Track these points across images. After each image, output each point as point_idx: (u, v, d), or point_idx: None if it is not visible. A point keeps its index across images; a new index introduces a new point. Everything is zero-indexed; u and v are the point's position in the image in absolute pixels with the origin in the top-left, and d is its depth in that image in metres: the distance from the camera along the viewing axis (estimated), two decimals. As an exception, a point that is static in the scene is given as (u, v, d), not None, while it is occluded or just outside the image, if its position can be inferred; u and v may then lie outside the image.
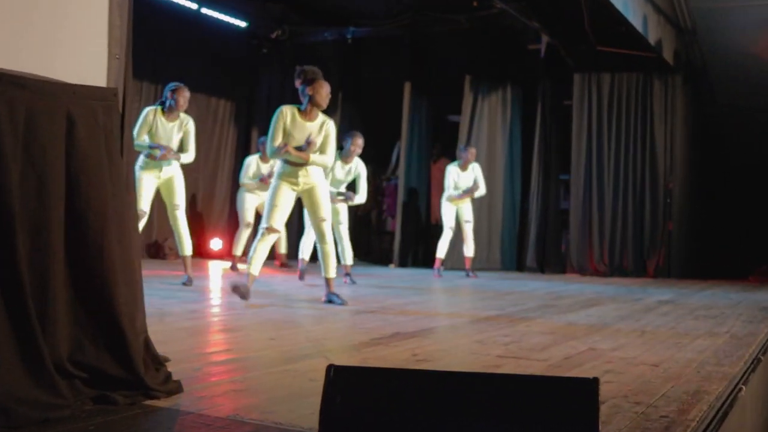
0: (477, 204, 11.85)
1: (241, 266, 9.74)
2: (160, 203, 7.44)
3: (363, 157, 14.11)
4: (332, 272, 6.11)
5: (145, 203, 7.04)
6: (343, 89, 12.81)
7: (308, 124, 5.89)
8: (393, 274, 10.64)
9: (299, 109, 5.90)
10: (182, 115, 7.16)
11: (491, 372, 2.80)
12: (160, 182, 7.16)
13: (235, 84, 12.95)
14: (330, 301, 6.00)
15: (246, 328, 4.59)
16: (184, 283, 7.07)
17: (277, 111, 5.93)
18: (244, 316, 5.15)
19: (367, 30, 12.57)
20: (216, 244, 11.79)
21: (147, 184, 7.04)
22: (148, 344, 3.05)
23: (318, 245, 6.13)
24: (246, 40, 13.08)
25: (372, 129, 13.52)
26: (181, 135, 7.16)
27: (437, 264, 9.97)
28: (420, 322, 5.09)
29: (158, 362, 3.02)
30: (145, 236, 11.10)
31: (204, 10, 11.91)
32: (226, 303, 5.78)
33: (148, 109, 7.12)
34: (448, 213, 9.97)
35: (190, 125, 7.18)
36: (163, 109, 7.08)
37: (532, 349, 4.03)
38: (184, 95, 7.09)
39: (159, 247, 11.17)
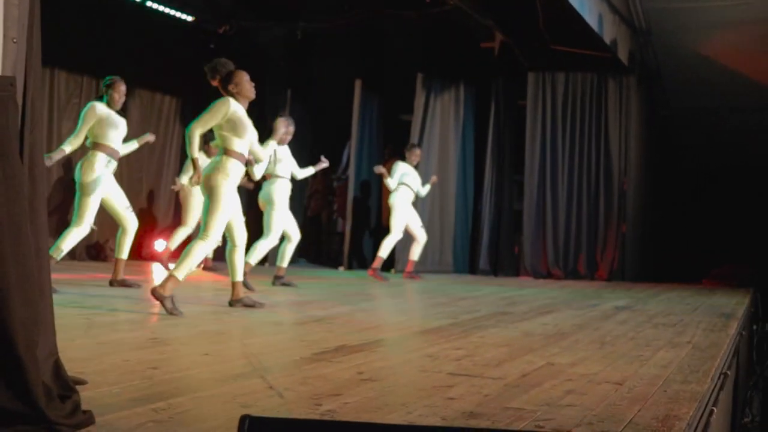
0: (429, 205, 11.62)
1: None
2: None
3: (315, 155, 13.87)
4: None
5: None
6: (292, 86, 12.46)
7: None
8: (341, 277, 10.32)
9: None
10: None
11: (421, 425, 2.49)
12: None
13: (181, 80, 12.50)
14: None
15: (177, 341, 4.23)
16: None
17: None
18: (177, 326, 4.79)
19: (318, 26, 12.22)
20: (160, 245, 11.33)
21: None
22: (57, 369, 2.70)
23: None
24: (192, 34, 12.65)
25: (322, 127, 13.20)
26: None
27: (377, 263, 9.63)
28: (367, 333, 4.78)
29: (68, 389, 2.67)
30: (86, 238, 10.66)
31: (149, 3, 11.46)
32: (161, 311, 5.40)
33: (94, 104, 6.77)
34: (401, 216, 9.64)
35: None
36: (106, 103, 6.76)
37: (487, 365, 3.75)
38: (120, 89, 6.76)
39: (100, 248, 10.70)
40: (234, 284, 5.84)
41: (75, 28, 10.75)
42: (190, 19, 12.14)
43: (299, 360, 3.76)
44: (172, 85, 12.26)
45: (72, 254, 10.57)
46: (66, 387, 2.67)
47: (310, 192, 14.77)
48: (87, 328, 4.54)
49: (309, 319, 5.52)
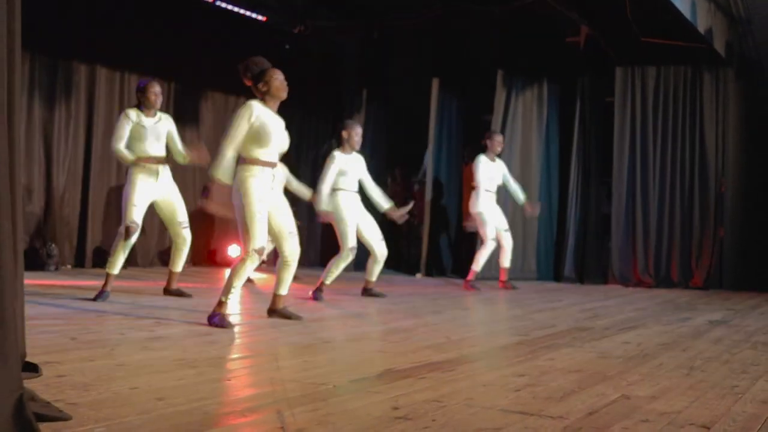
0: (512, 209, 11.01)
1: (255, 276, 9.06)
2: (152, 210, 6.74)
3: (392, 157, 13.40)
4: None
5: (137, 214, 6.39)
6: (368, 87, 12.04)
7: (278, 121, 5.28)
8: (417, 284, 9.83)
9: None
10: (159, 112, 6.60)
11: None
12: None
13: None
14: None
15: (206, 362, 3.81)
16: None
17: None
18: (215, 344, 4.39)
19: (394, 23, 11.76)
20: (234, 251, 11.01)
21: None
22: (19, 409, 2.29)
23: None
24: (266, 35, 12.36)
25: (400, 129, 12.74)
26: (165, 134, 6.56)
27: (471, 276, 9.12)
28: (419, 355, 4.27)
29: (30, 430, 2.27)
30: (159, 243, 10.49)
31: (220, 3, 11.20)
32: (204, 325, 5.01)
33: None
34: (490, 222, 9.07)
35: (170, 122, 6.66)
36: (140, 109, 6.46)
37: (549, 398, 3.20)
38: (154, 90, 6.48)
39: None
40: (275, 296, 5.56)
41: (145, 30, 10.58)
42: (263, 19, 11.82)
43: (329, 389, 3.29)
44: (245, 87, 11.95)
45: (132, 261, 10.46)
46: (28, 427, 2.26)
47: (388, 195, 14.32)
48: (115, 346, 4.18)
49: (360, 336, 5.06)
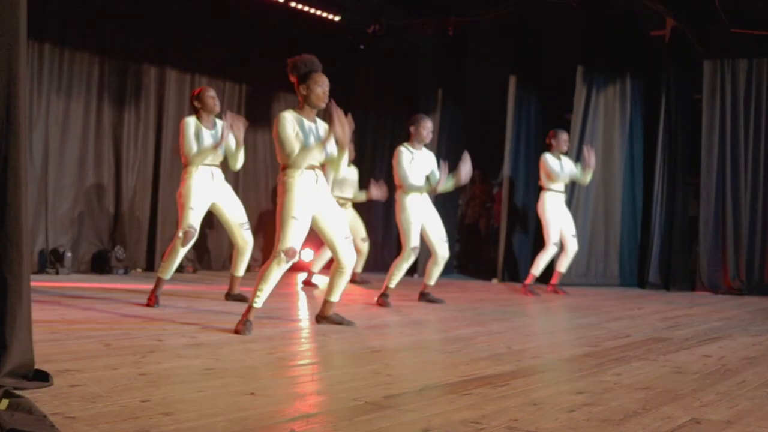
0: (592, 210, 10.52)
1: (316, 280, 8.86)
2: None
3: (472, 159, 13.02)
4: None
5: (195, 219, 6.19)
6: (443, 85, 11.69)
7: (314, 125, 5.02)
8: (491, 290, 9.43)
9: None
10: (217, 120, 6.39)
11: None
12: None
13: (330, 83, 12.02)
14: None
15: (233, 372, 3.54)
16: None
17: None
18: (250, 351, 4.12)
19: (470, 20, 11.39)
20: (307, 254, 10.75)
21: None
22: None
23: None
24: (340, 35, 12.14)
25: (478, 129, 12.34)
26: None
27: (529, 280, 8.70)
28: (474, 365, 3.92)
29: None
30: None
31: (292, 4, 10.99)
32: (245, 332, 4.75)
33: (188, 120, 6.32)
34: (554, 224, 8.62)
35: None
36: (198, 118, 6.26)
37: (606, 421, 2.81)
38: (209, 95, 6.28)
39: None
40: (325, 302, 5.32)
41: (216, 32, 10.49)
42: (337, 18, 11.59)
43: (360, 405, 2.97)
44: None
45: (205, 263, 10.34)
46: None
47: (467, 198, 13.96)
48: (147, 353, 3.94)
49: (412, 345, 4.73)
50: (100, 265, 9.33)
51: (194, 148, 6.16)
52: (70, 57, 9.17)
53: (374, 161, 12.05)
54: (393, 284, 6.95)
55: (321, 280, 9.27)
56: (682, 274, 10.20)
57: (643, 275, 10.43)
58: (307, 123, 4.91)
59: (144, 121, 9.89)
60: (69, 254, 8.95)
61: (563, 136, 8.75)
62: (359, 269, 9.12)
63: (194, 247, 10.12)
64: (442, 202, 11.96)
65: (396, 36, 12.01)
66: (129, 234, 9.73)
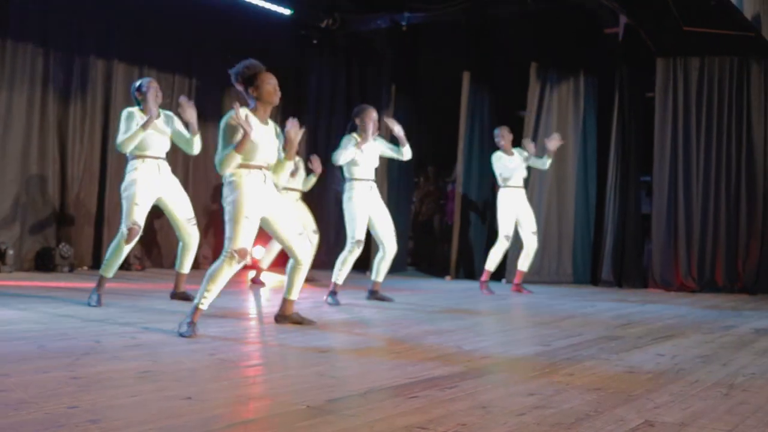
0: (545, 207, 10.48)
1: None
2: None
3: (424, 154, 12.93)
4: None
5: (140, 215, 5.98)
6: (397, 81, 11.57)
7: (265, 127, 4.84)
8: (444, 288, 9.33)
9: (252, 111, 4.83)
10: (163, 112, 6.21)
11: None
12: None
13: (282, 78, 11.79)
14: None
15: (171, 376, 3.38)
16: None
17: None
18: (195, 353, 3.96)
19: (424, 15, 11.30)
20: (258, 252, 10.57)
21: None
22: None
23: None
24: (292, 29, 11.97)
25: (431, 125, 12.26)
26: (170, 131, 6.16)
27: (485, 277, 8.61)
28: (422, 366, 3.80)
29: None
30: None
31: (243, -3, 10.80)
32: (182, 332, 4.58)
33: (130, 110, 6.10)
34: (507, 218, 8.53)
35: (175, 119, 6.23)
36: (141, 109, 6.06)
37: (557, 425, 2.71)
38: (154, 86, 6.09)
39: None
40: (284, 301, 5.19)
41: (165, 24, 10.26)
42: (288, 12, 11.40)
43: (302, 410, 2.83)
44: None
45: (157, 261, 10.08)
46: None
47: (420, 195, 13.87)
48: (82, 355, 3.76)
49: (359, 346, 4.60)
50: (44, 262, 9.07)
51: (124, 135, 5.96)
52: (12, 48, 8.89)
53: (327, 157, 11.87)
54: (341, 281, 6.81)
55: (270, 277, 9.11)
56: (634, 272, 10.19)
57: (596, 273, 10.41)
58: (258, 124, 4.75)
59: (90, 115, 9.63)
60: (11, 252, 8.68)
61: (505, 131, 8.72)
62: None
63: (142, 243, 9.91)
64: (396, 199, 11.87)
65: (349, 30, 11.88)
66: (75, 231, 9.48)
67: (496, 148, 8.83)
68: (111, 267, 5.90)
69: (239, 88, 4.81)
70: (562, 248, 10.60)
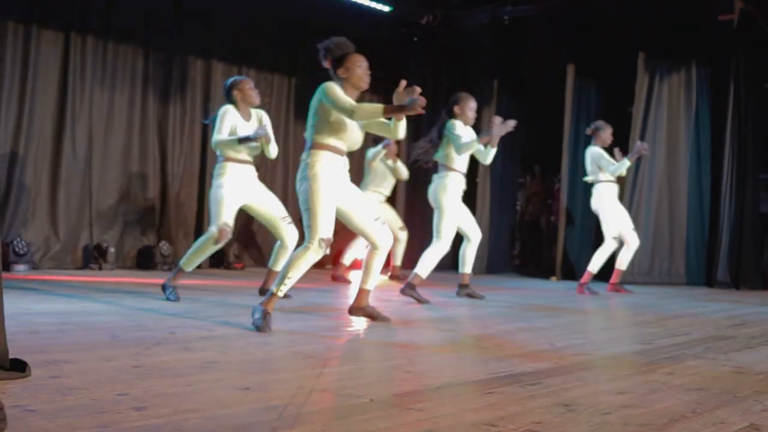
0: (656, 204, 9.98)
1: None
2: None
3: (528, 153, 12.54)
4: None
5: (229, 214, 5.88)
6: (499, 76, 11.26)
7: None
8: (547, 288, 8.96)
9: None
10: (253, 110, 6.07)
11: None
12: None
13: (383, 77, 11.65)
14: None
15: (230, 367, 3.22)
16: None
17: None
18: (269, 344, 3.79)
19: (526, 8, 10.94)
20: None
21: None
22: None
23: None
24: (392, 27, 11.81)
25: (536, 121, 11.86)
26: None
27: (586, 279, 8.17)
28: (507, 362, 3.53)
29: None
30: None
31: (342, -6, 10.69)
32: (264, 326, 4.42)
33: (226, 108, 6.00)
34: (613, 217, 8.08)
35: (266, 118, 6.06)
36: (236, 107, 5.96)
37: (646, 426, 2.40)
38: (246, 86, 5.97)
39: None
40: (360, 291, 4.95)
41: (264, 24, 10.26)
42: (387, 9, 11.24)
43: (365, 402, 2.61)
44: (374, 82, 11.42)
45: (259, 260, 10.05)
46: None
47: (527, 194, 13.50)
48: (153, 345, 3.64)
49: (445, 342, 4.35)
50: (144, 261, 9.16)
51: (223, 134, 5.86)
52: (114, 49, 9.03)
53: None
54: (425, 275, 6.55)
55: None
56: (753, 272, 9.59)
57: (711, 273, 9.84)
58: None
59: (190, 115, 9.70)
60: (113, 250, 8.79)
61: (606, 125, 8.23)
62: (398, 261, 8.71)
63: (240, 241, 9.92)
64: (500, 199, 11.55)
65: (450, 26, 11.63)
66: (174, 229, 9.54)
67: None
68: (192, 262, 5.81)
69: (326, 65, 4.64)
70: (674, 247, 10.08)
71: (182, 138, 9.64)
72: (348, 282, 8.37)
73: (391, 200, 9.15)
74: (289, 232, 6.13)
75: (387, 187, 8.74)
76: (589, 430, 2.33)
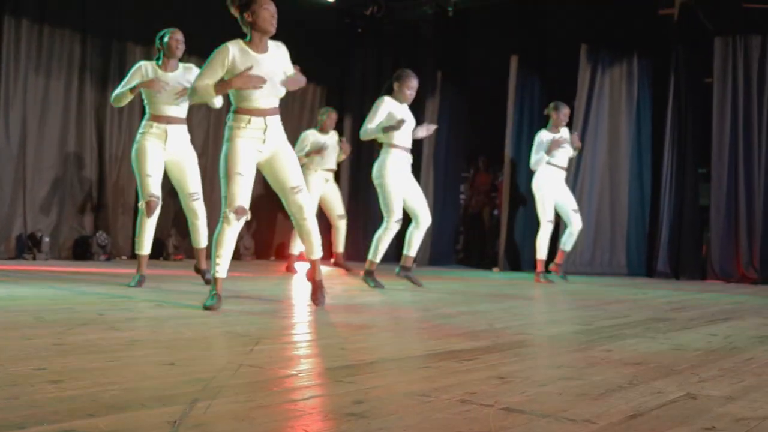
0: (597, 195, 10.05)
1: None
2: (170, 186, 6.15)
3: (473, 145, 12.54)
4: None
5: (155, 186, 5.73)
6: (443, 67, 11.23)
7: (260, 56, 4.47)
8: (489, 278, 8.95)
9: (244, 42, 4.51)
10: (182, 64, 5.92)
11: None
12: (168, 160, 5.86)
13: (325, 66, 11.57)
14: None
15: (158, 344, 3.10)
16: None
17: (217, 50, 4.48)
18: (206, 326, 3.68)
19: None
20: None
21: (153, 158, 5.74)
22: None
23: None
24: (336, 17, 11.71)
25: (480, 112, 11.86)
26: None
27: (539, 267, 8.17)
28: (445, 340, 3.46)
29: None
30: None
31: (285, -17, 10.53)
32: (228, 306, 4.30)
33: (141, 63, 5.85)
34: (548, 200, 8.07)
35: (196, 70, 5.86)
36: (158, 63, 5.80)
37: (583, 396, 2.35)
38: (176, 38, 5.82)
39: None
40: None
41: (202, 11, 10.07)
42: (331, 0, 11.12)
43: (293, 377, 2.52)
44: (316, 72, 11.31)
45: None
46: None
47: (470, 188, 13.49)
48: (77, 326, 3.50)
49: (381, 322, 4.27)
50: (81, 251, 8.94)
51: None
52: (49, 34, 8.78)
53: (372, 148, 11.59)
54: (378, 259, 6.46)
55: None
56: (692, 263, 9.68)
57: (652, 264, 9.92)
58: (253, 54, 4.45)
59: (129, 102, 9.45)
60: (47, 239, 8.55)
61: (564, 110, 8.19)
62: (340, 249, 8.57)
63: (185, 232, 9.74)
64: (443, 192, 11.52)
65: (394, 17, 11.56)
66: (113, 219, 9.32)
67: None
68: (142, 244, 5.77)
69: (234, 13, 4.51)
70: (615, 238, 10.15)
71: (120, 125, 9.43)
72: (294, 272, 8.23)
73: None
74: (194, 210, 5.94)
75: (332, 160, 8.54)
76: (525, 399, 2.27)
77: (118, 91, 5.77)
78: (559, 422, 2.00)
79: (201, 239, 6.00)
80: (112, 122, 9.32)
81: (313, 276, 4.69)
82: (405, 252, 6.75)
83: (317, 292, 4.69)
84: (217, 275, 4.39)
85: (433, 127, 6.79)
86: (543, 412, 2.11)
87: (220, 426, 1.86)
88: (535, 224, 10.50)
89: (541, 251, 8.11)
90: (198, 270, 6.14)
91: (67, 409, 1.96)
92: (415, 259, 7.04)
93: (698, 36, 9.66)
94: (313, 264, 4.67)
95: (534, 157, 8.03)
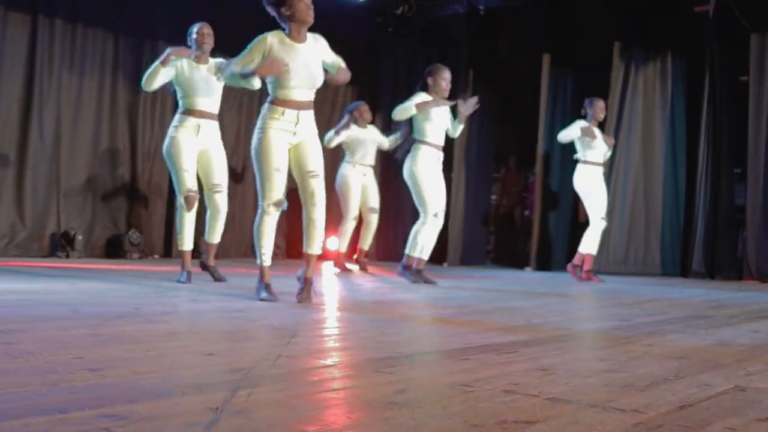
0: (631, 194, 9.94)
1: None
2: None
3: (506, 145, 12.46)
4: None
5: (191, 181, 5.74)
6: (474, 66, 11.16)
7: (298, 45, 4.50)
8: (522, 278, 8.87)
9: (284, 33, 4.54)
10: (212, 59, 5.95)
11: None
12: (198, 151, 5.89)
13: (356, 67, 11.50)
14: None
15: (199, 334, 3.08)
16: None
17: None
18: (254, 317, 3.66)
19: (501, -2, 10.86)
20: (332, 243, 10.24)
21: (188, 152, 5.76)
22: None
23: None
24: (367, 17, 11.68)
25: (512, 111, 11.76)
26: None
27: (587, 264, 8.03)
28: (483, 334, 3.42)
29: None
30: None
31: (315, -17, 10.52)
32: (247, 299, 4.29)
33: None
34: (599, 196, 7.98)
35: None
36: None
37: (629, 387, 2.30)
38: (203, 31, 5.85)
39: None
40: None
41: (234, 11, 10.08)
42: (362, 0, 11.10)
43: (332, 368, 2.49)
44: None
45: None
46: None
47: (501, 187, 13.41)
48: (114, 318, 3.50)
49: (418, 317, 4.23)
50: (113, 249, 8.98)
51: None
52: (83, 33, 8.84)
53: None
54: (416, 253, 6.41)
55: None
56: (728, 263, 9.53)
57: (687, 263, 9.78)
58: (291, 43, 4.45)
59: (161, 101, 9.51)
60: (80, 237, 8.60)
61: (599, 104, 8.14)
62: (366, 246, 8.50)
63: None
64: (474, 191, 11.46)
65: (425, 17, 11.52)
66: (145, 218, 9.36)
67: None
68: (184, 240, 5.80)
69: (271, 12, 4.52)
70: (649, 237, 10.03)
71: (153, 124, 9.46)
72: (348, 271, 8.17)
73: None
74: (216, 203, 5.92)
75: (371, 156, 8.53)
76: (569, 390, 2.23)
77: (150, 75, 5.78)
78: (608, 411, 1.95)
79: (216, 234, 5.97)
80: (145, 120, 9.35)
81: (306, 273, 4.60)
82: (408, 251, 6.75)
83: (306, 290, 4.57)
84: (264, 264, 4.43)
85: (474, 99, 6.71)
86: (589, 402, 2.06)
87: (263, 413, 1.83)
88: (567, 225, 10.49)
89: (593, 248, 7.99)
90: (205, 266, 6.06)
91: (107, 395, 1.95)
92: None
93: (734, 33, 9.52)
94: (309, 260, 4.59)
95: (565, 131, 8.00)
